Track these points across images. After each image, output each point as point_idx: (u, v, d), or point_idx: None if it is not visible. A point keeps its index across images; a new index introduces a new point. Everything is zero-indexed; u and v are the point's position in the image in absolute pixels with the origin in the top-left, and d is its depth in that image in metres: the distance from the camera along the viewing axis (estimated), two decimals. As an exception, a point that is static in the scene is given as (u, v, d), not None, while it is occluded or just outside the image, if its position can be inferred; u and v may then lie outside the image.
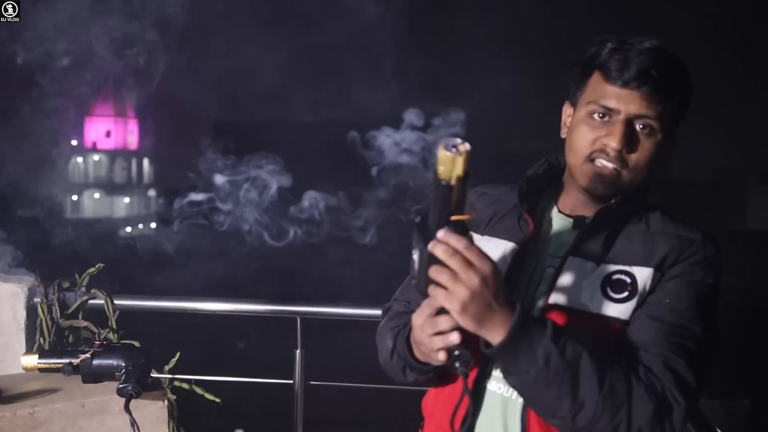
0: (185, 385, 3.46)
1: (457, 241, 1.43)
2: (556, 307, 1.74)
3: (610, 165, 1.74)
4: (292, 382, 3.49)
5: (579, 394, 1.51)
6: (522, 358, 1.50)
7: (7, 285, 3.35)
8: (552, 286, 1.76)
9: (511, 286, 1.77)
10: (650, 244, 1.76)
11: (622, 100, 1.71)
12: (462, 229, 1.45)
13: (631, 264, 1.74)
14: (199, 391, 3.46)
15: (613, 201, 1.77)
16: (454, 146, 1.38)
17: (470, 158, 1.39)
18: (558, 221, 1.89)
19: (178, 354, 3.46)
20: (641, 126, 1.72)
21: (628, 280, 1.73)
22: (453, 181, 1.39)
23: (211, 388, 3.51)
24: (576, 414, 1.53)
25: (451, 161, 1.37)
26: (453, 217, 1.44)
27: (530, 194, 1.90)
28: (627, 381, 1.54)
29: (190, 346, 3.96)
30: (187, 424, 3.51)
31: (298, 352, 3.48)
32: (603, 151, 1.74)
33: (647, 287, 1.72)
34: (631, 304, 1.71)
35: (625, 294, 1.72)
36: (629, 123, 1.72)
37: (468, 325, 1.47)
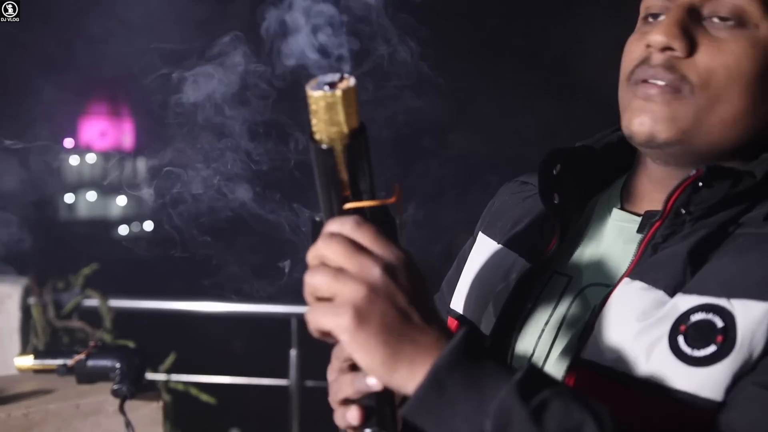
0: (180, 386, 3.46)
1: (340, 224, 0.84)
2: (587, 366, 1.00)
3: (659, 82, 1.00)
4: (287, 382, 3.49)
5: None
6: (458, 416, 0.78)
7: (2, 286, 3.36)
8: (588, 333, 1.02)
9: (508, 327, 1.12)
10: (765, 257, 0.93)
11: None
12: (373, 218, 0.87)
13: (730, 295, 0.92)
14: (194, 391, 3.47)
15: (695, 171, 0.97)
16: (330, 84, 0.82)
17: (356, 97, 0.84)
18: (616, 224, 1.13)
19: (173, 355, 3.47)
20: (719, 17, 0.98)
21: (720, 324, 0.91)
22: (337, 143, 0.84)
23: (207, 389, 3.51)
24: None
25: (325, 108, 0.82)
26: (347, 205, 0.87)
27: (571, 182, 1.14)
28: None
29: (186, 347, 3.96)
30: (183, 424, 3.52)
31: (293, 352, 3.48)
32: (646, 61, 1.02)
33: (758, 339, 0.89)
34: (721, 369, 0.90)
35: (712, 349, 0.91)
36: (692, 11, 0.99)
37: (370, 356, 0.79)
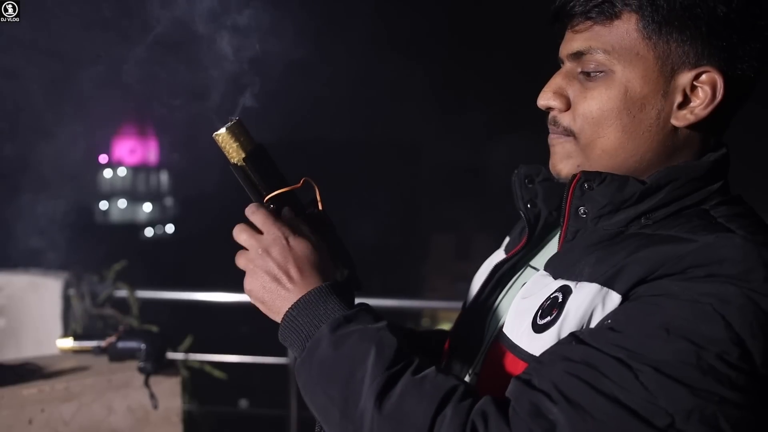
0: (196, 364, 3.46)
1: (248, 211, 1.04)
2: (501, 338, 1.04)
3: (553, 133, 1.05)
4: (287, 360, 3.49)
5: (352, 406, 0.87)
6: (297, 339, 0.97)
7: (46, 279, 3.37)
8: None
9: (485, 308, 1.17)
10: (621, 251, 0.93)
11: (562, 45, 1.05)
12: (290, 206, 1.09)
13: (579, 279, 0.94)
14: (208, 368, 3.46)
15: (583, 180, 0.99)
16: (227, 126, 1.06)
17: (244, 129, 1.07)
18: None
19: (190, 337, 3.47)
20: (586, 72, 1.00)
21: (560, 300, 0.94)
22: (239, 161, 1.06)
23: (219, 366, 3.51)
24: None
25: (224, 142, 1.06)
26: (268, 196, 1.08)
27: (549, 189, 1.16)
28: (435, 406, 0.84)
29: (202, 330, 3.96)
30: (199, 396, 3.51)
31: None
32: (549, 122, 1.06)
33: (583, 312, 0.90)
34: (549, 335, 0.93)
35: (548, 319, 0.94)
36: (570, 71, 1.03)
37: (258, 305, 1.03)
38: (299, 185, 1.10)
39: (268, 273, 1.00)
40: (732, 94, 0.96)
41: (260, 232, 1.03)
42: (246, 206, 1.06)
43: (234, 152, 1.06)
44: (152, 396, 1.96)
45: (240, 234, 1.03)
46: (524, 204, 1.17)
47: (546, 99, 1.03)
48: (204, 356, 3.50)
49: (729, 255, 0.85)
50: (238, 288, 1.13)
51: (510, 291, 1.15)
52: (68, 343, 2.13)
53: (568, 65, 1.03)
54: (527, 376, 0.86)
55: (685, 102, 0.97)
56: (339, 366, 0.91)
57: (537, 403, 0.81)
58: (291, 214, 1.08)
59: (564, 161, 1.04)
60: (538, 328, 0.95)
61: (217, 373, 3.47)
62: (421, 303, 8.27)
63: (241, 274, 1.04)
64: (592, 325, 0.89)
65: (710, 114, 0.96)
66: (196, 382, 3.48)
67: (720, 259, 0.85)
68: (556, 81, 1.03)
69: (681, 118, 0.97)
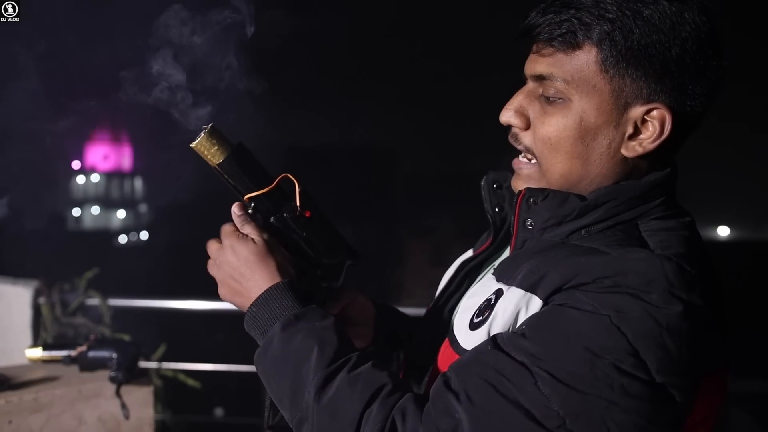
0: (170, 372, 3.43)
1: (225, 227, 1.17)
2: (449, 335, 1.12)
3: (517, 161, 1.12)
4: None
5: (299, 397, 0.99)
6: (257, 333, 1.10)
7: (15, 288, 3.32)
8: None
9: (450, 304, 1.27)
10: (550, 260, 0.99)
11: (527, 63, 1.08)
12: (271, 203, 1.17)
13: (511, 284, 1.02)
14: (181, 377, 3.43)
15: (528, 196, 1.06)
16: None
17: (218, 134, 1.13)
18: None
19: (163, 345, 3.44)
20: (546, 97, 1.04)
21: (493, 301, 1.03)
22: (216, 166, 1.13)
23: (193, 375, 3.48)
24: (300, 425, 1.00)
25: (201, 149, 1.13)
26: (248, 196, 1.16)
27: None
28: (364, 402, 0.95)
29: (175, 338, 3.92)
30: (173, 405, 3.48)
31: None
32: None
33: (510, 315, 0.98)
34: (480, 333, 1.02)
35: (480, 319, 1.03)
36: (532, 91, 1.07)
37: (228, 301, 1.17)
38: (274, 185, 1.17)
39: (230, 277, 1.14)
40: (679, 129, 1.02)
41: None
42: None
43: (211, 158, 1.13)
44: (123, 406, 1.94)
45: (209, 246, 1.17)
46: (492, 207, 1.25)
47: (507, 116, 1.08)
48: (177, 365, 3.46)
49: (633, 267, 0.92)
50: (213, 296, 1.23)
51: (471, 288, 1.21)
52: (37, 352, 2.09)
53: (530, 85, 1.08)
54: (447, 376, 0.95)
55: (636, 134, 1.02)
56: (288, 361, 1.03)
57: (447, 403, 0.91)
58: (263, 218, 1.19)
59: (526, 183, 1.10)
60: (473, 326, 1.04)
61: (191, 382, 3.44)
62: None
63: (215, 282, 1.17)
64: (518, 325, 0.97)
65: (657, 147, 1.02)
66: (170, 391, 3.45)
67: (625, 271, 0.91)
68: (518, 99, 1.08)
69: (630, 149, 1.03)
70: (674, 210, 1.07)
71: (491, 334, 0.99)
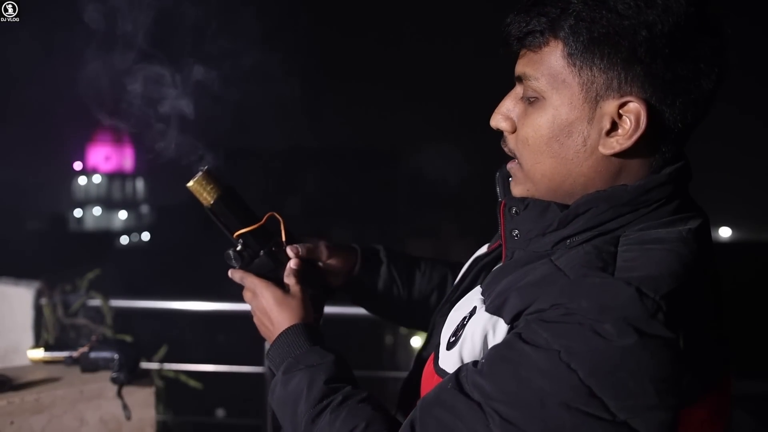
0: (171, 373, 3.42)
1: (246, 280, 1.31)
2: (435, 354, 1.11)
3: (509, 163, 1.10)
4: (263, 369, 3.47)
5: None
6: (276, 367, 1.23)
7: (17, 289, 3.32)
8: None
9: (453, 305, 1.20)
10: (519, 280, 0.97)
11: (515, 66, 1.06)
12: (258, 240, 1.29)
13: (486, 299, 1.02)
14: (183, 378, 3.43)
15: (509, 206, 1.07)
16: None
17: (212, 176, 1.24)
18: None
19: (164, 346, 3.43)
20: (528, 98, 1.02)
21: (466, 320, 1.03)
22: (209, 204, 1.24)
23: (194, 375, 3.48)
24: None
25: (196, 189, 1.24)
26: (236, 233, 1.27)
27: None
28: None
29: (177, 339, 3.92)
30: (174, 406, 3.48)
31: (267, 344, 3.46)
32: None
33: (478, 339, 0.97)
34: (454, 353, 1.02)
35: (453, 339, 1.03)
36: (518, 94, 1.05)
37: (264, 335, 1.32)
38: (262, 222, 1.29)
39: (260, 316, 1.29)
40: (660, 122, 0.95)
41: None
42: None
43: (204, 198, 1.23)
44: (125, 407, 1.94)
45: (244, 294, 1.32)
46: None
47: (496, 121, 1.07)
48: (179, 366, 3.46)
49: (588, 293, 0.86)
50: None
51: (460, 300, 1.17)
52: (39, 353, 2.09)
53: (517, 88, 1.05)
54: (414, 416, 0.96)
55: (614, 129, 0.96)
56: (287, 402, 1.14)
57: None
58: (265, 258, 1.31)
59: (518, 186, 1.07)
60: (449, 346, 1.04)
61: (192, 383, 3.44)
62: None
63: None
64: (488, 349, 0.95)
65: (636, 143, 0.95)
66: (172, 392, 3.45)
67: (579, 297, 0.86)
68: (506, 103, 1.06)
69: (608, 146, 0.96)
70: (677, 216, 0.99)
71: (462, 360, 0.99)
